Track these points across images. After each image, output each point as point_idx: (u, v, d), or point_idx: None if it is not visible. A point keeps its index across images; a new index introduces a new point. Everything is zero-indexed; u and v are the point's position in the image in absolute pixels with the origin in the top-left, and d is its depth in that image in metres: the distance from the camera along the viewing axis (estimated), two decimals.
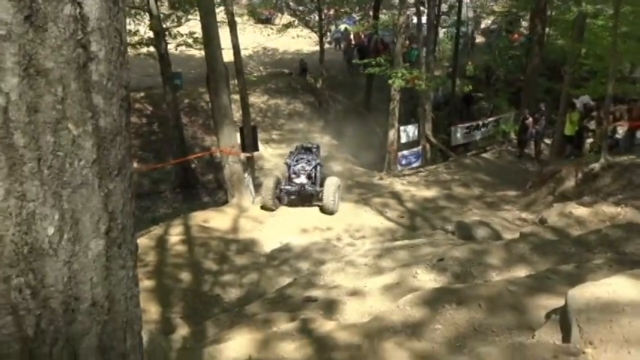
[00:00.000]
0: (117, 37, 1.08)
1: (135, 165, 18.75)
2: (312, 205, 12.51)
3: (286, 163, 13.24)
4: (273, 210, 12.24)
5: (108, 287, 1.11)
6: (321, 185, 12.53)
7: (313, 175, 12.74)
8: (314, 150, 13.82)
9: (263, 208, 12.34)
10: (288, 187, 12.59)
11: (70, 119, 1.01)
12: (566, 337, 3.93)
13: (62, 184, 1.02)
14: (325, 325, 5.33)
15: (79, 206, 1.05)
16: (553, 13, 22.26)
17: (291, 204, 12.67)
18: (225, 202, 13.68)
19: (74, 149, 1.03)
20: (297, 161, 13.09)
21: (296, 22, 26.67)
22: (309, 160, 13.12)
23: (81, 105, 1.02)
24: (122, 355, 1.15)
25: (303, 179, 12.56)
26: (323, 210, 12.16)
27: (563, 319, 4.10)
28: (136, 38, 19.48)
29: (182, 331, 7.48)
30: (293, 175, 12.69)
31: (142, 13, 19.70)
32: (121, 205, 1.11)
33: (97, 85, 1.05)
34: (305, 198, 12.60)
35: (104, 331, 1.11)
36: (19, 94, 0.96)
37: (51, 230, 1.01)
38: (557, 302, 4.57)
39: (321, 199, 12.22)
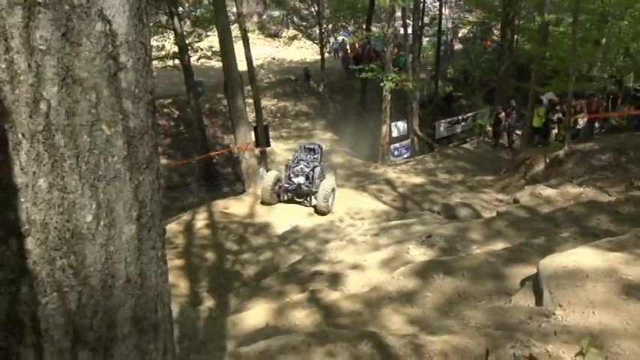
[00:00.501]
0: (142, 49, 1.07)
1: (165, 161, 18.77)
2: (307, 205, 11.79)
3: (286, 165, 12.47)
4: (271, 204, 11.63)
5: (140, 266, 1.11)
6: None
7: (311, 176, 11.87)
8: (316, 150, 12.96)
9: (262, 203, 11.74)
10: (286, 185, 11.83)
11: (103, 121, 1.01)
12: (539, 300, 3.93)
13: (98, 177, 1.02)
14: (331, 295, 5.33)
15: (113, 196, 1.05)
16: (520, 22, 22.14)
17: (288, 201, 11.94)
18: (243, 192, 13.68)
19: (107, 147, 1.02)
20: (296, 162, 12.27)
21: (300, 36, 26.63)
22: (307, 162, 12.26)
23: (112, 109, 1.02)
24: (154, 325, 1.15)
25: (300, 179, 11.73)
26: (316, 210, 11.40)
27: (535, 285, 4.10)
28: (163, 52, 19.44)
29: (208, 302, 7.51)
30: (291, 175, 11.88)
31: (168, 31, 19.64)
32: (150, 195, 1.11)
33: (126, 91, 1.04)
34: (301, 196, 11.86)
35: (137, 304, 1.11)
36: (59, 101, 0.96)
37: (89, 217, 1.01)
38: (530, 271, 4.55)
39: (315, 199, 11.49)
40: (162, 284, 1.16)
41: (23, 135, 0.94)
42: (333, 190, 11.69)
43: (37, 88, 0.93)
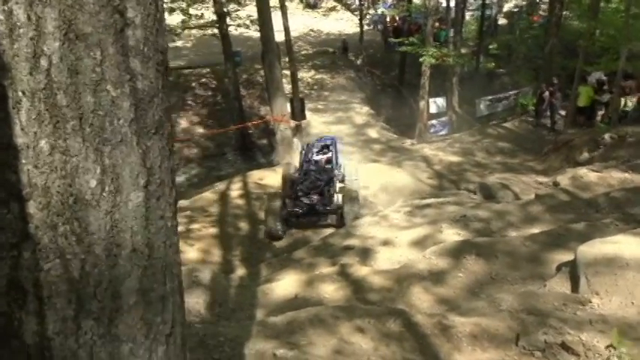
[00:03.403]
0: (153, 4, 1.01)
1: (202, 130, 19.01)
2: (324, 223, 9.28)
3: (292, 180, 9.67)
4: (281, 238, 8.97)
5: (147, 235, 1.07)
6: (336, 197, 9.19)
7: (326, 192, 9.21)
8: (330, 146, 10.45)
9: (269, 236, 9.13)
10: (295, 210, 9.10)
11: (108, 81, 0.96)
12: (575, 287, 3.87)
13: (103, 140, 0.97)
14: (361, 270, 5.35)
15: (119, 161, 1.00)
16: None
17: (300, 226, 9.31)
18: (278, 163, 13.73)
19: (113, 109, 0.97)
20: (304, 175, 9.59)
21: (339, 7, 26.25)
22: (319, 173, 9.57)
23: (119, 68, 0.97)
24: (162, 297, 1.12)
25: (313, 198, 9.06)
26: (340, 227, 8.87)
27: (572, 271, 4.04)
28: (202, 21, 19.49)
29: (240, 271, 7.65)
30: (300, 194, 9.15)
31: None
32: (159, 162, 1.06)
33: (134, 49, 0.99)
34: (316, 217, 9.27)
35: (144, 275, 1.07)
36: (60, 57, 0.91)
37: (93, 183, 0.97)
38: (567, 257, 4.47)
39: (339, 218, 9.02)
40: (171, 255, 1.12)
41: (23, 93, 0.89)
42: (357, 199, 9.45)
43: (38, 42, 0.88)
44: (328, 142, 10.66)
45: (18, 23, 0.87)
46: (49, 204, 0.94)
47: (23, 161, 0.92)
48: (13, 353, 0.98)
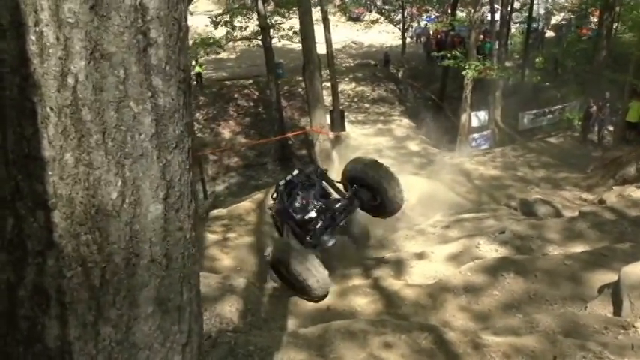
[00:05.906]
0: (175, 25, 1.06)
1: (243, 140, 19.33)
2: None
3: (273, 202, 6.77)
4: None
5: (165, 246, 1.11)
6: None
7: (327, 218, 6.20)
8: (314, 181, 6.63)
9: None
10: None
11: (131, 98, 1.01)
12: (617, 310, 3.74)
13: (124, 154, 1.02)
14: (394, 284, 5.29)
15: (139, 175, 1.04)
16: (621, 10, 20.46)
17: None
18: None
19: (135, 124, 1.02)
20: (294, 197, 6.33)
21: (381, 19, 26.32)
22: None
23: (141, 85, 1.02)
24: (178, 307, 1.15)
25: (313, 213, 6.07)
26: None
27: (615, 293, 3.90)
28: (246, 33, 19.89)
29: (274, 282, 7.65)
30: (295, 211, 6.19)
31: (252, 12, 20.03)
32: (179, 175, 1.10)
33: (155, 67, 1.03)
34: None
35: (162, 285, 1.11)
36: (86, 75, 0.96)
37: (114, 195, 1.02)
38: (610, 278, 4.31)
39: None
40: (189, 266, 1.15)
41: (51, 108, 0.95)
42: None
43: (65, 61, 0.94)
44: (312, 176, 6.87)
45: (47, 44, 0.93)
46: (73, 214, 0.99)
47: (49, 173, 0.97)
48: (36, 356, 1.03)
